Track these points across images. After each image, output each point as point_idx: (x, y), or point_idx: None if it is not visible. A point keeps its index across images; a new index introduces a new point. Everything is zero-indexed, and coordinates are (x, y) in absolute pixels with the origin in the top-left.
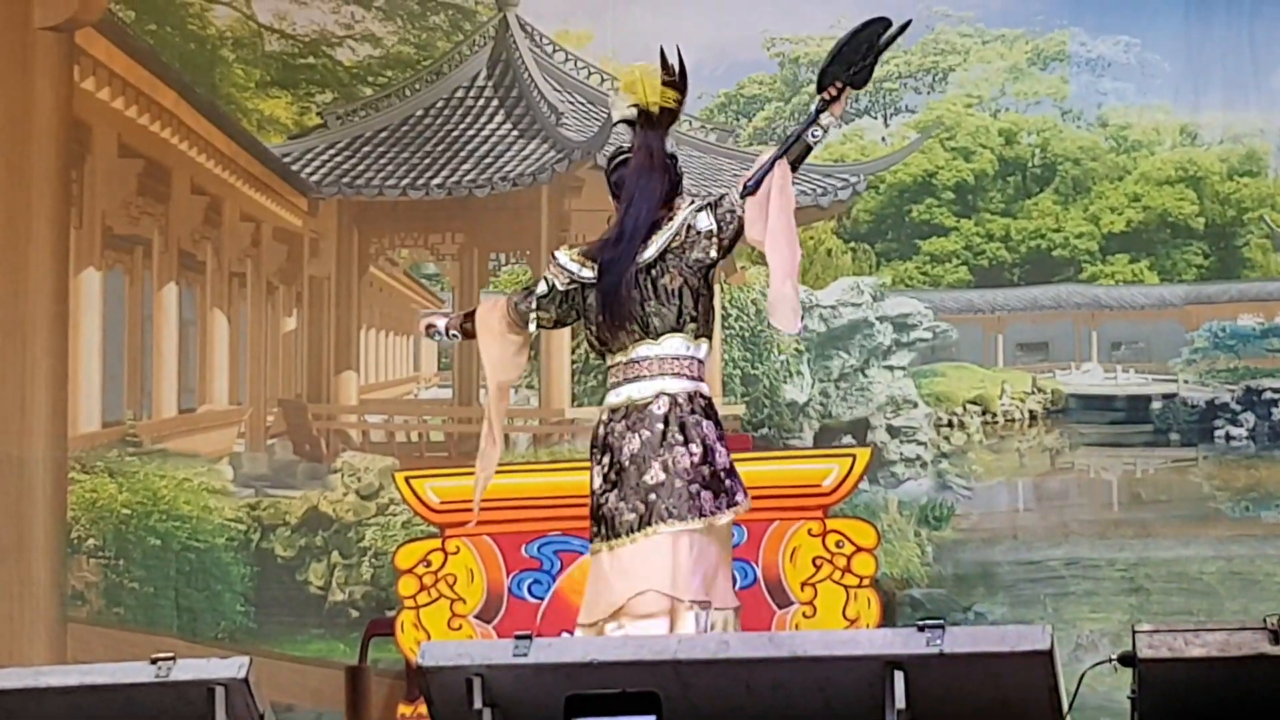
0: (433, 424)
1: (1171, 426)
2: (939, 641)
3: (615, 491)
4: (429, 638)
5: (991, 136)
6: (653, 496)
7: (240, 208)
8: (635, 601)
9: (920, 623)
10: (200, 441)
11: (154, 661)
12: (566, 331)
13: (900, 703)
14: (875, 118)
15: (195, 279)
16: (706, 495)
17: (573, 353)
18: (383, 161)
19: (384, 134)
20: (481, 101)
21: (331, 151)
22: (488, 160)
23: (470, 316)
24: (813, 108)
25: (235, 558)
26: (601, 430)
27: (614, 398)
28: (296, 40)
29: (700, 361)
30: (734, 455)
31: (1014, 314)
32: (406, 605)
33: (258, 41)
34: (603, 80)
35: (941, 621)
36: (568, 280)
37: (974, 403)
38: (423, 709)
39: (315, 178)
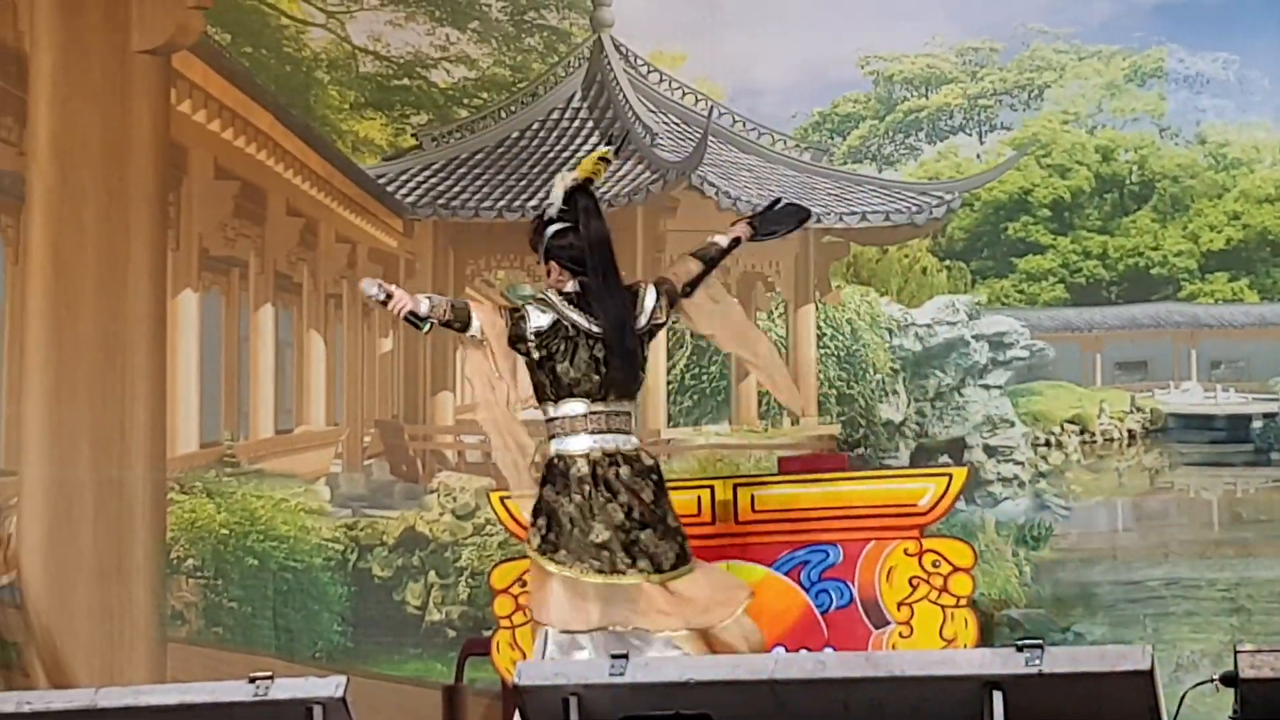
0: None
1: (1272, 445)
2: (1038, 661)
3: (650, 531)
4: (525, 657)
5: (1088, 153)
6: (680, 538)
7: (336, 229)
8: (718, 628)
9: (1019, 642)
10: (297, 462)
11: (252, 680)
12: (663, 353)
13: None
14: (970, 134)
15: (291, 300)
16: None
17: (668, 374)
18: (478, 183)
19: (479, 155)
20: (577, 123)
21: (427, 173)
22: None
23: (459, 315)
24: (724, 238)
25: (333, 578)
26: (599, 470)
27: (605, 443)
28: (391, 62)
29: None
30: (830, 475)
31: (1112, 332)
32: (502, 625)
33: (352, 63)
34: (697, 100)
35: (1040, 641)
36: (570, 324)
37: (1072, 422)
38: None
39: (410, 199)
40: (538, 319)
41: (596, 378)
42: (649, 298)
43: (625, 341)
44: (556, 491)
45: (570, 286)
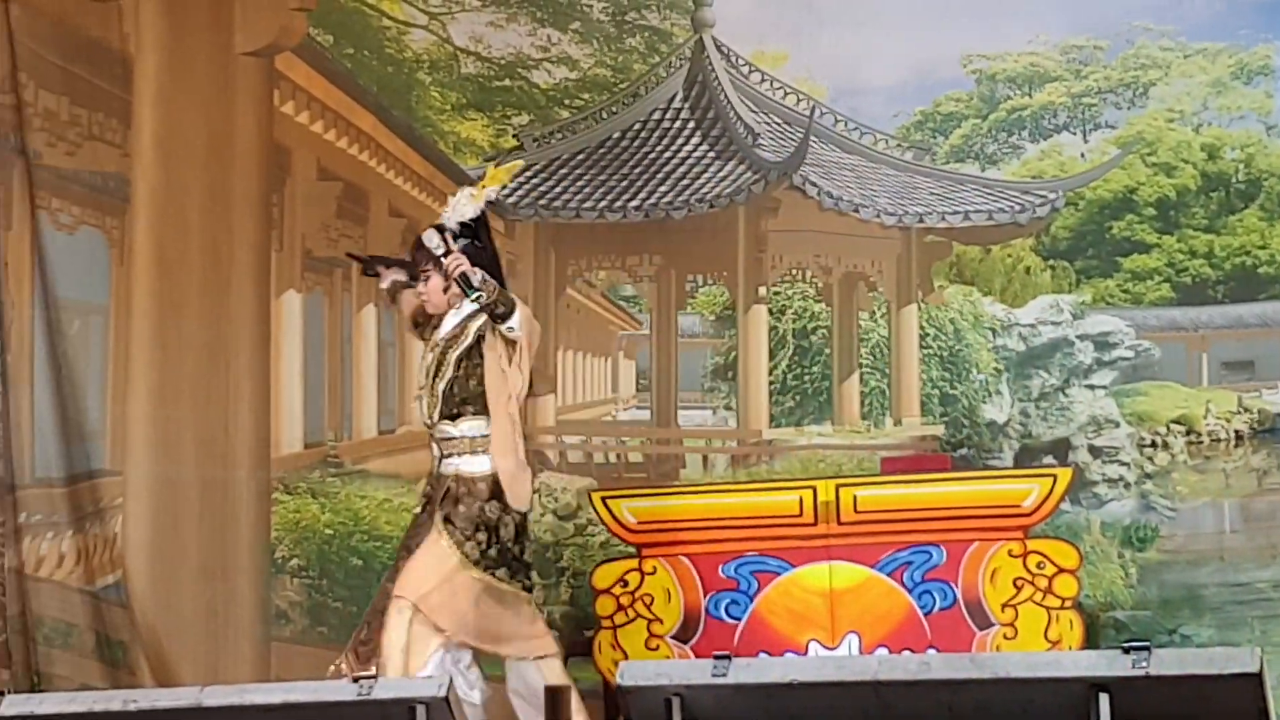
0: (630, 445)
1: None
2: (1144, 664)
3: None
4: (626, 657)
5: (1194, 152)
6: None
7: None
8: None
9: (1125, 645)
10: (400, 462)
11: (356, 680)
12: (764, 353)
13: None
14: (1074, 133)
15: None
16: None
17: (770, 374)
18: (579, 184)
19: (580, 156)
20: (678, 123)
21: (528, 174)
22: (684, 182)
23: (505, 302)
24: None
25: None
26: None
27: None
28: (493, 63)
29: None
30: (934, 476)
31: (1218, 332)
32: (604, 625)
33: (454, 65)
34: (798, 100)
35: (1147, 644)
36: None
37: (1178, 422)
38: None
39: (512, 200)
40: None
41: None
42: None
43: None
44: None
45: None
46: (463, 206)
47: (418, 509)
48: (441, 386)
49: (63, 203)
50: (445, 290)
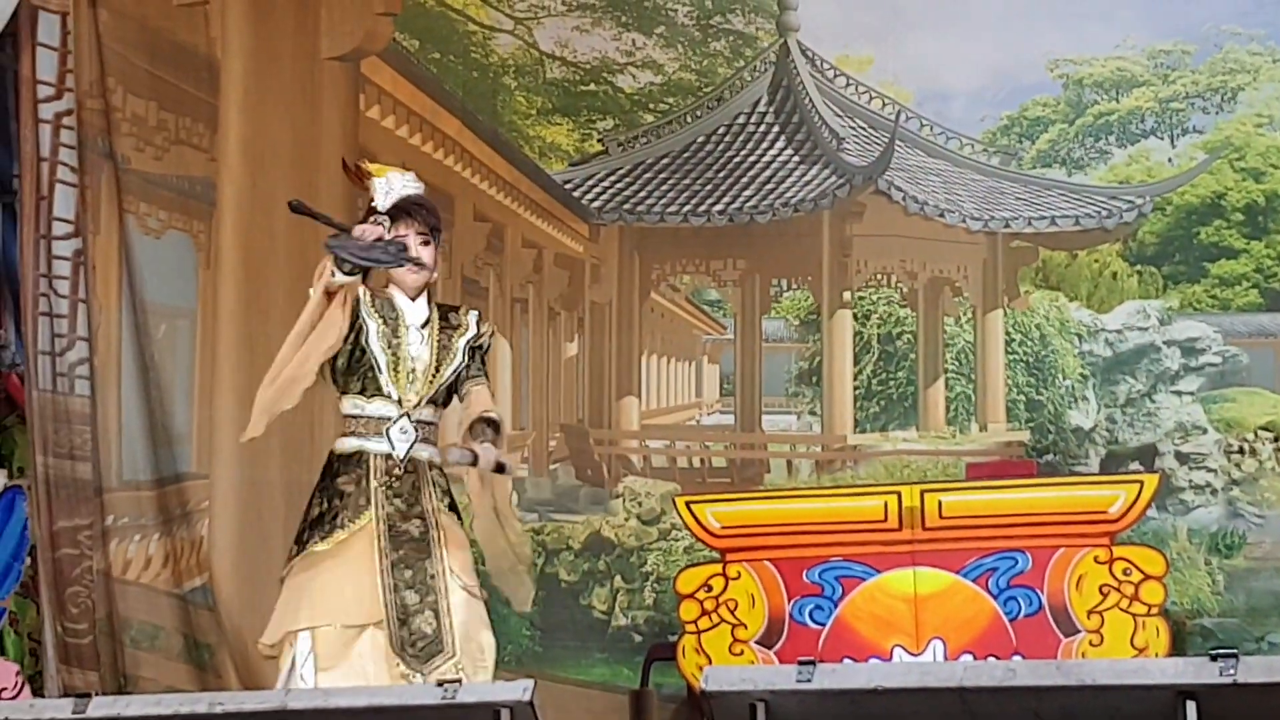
0: (714, 450)
1: None
2: (1232, 671)
3: None
4: (710, 663)
5: None
6: None
7: (522, 234)
8: None
9: (1213, 651)
10: None
11: (440, 684)
12: (849, 358)
13: None
14: (1162, 138)
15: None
16: None
17: (855, 379)
18: (664, 188)
19: (665, 160)
20: (763, 127)
21: (613, 178)
22: (769, 186)
23: None
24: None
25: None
26: None
27: None
28: (578, 68)
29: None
30: (1019, 481)
31: None
32: (688, 630)
33: (539, 69)
34: (883, 105)
35: (1235, 651)
36: None
37: (1265, 429)
38: None
39: (596, 204)
40: None
41: None
42: None
43: None
44: None
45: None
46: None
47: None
48: (448, 371)
49: (150, 207)
50: (436, 263)
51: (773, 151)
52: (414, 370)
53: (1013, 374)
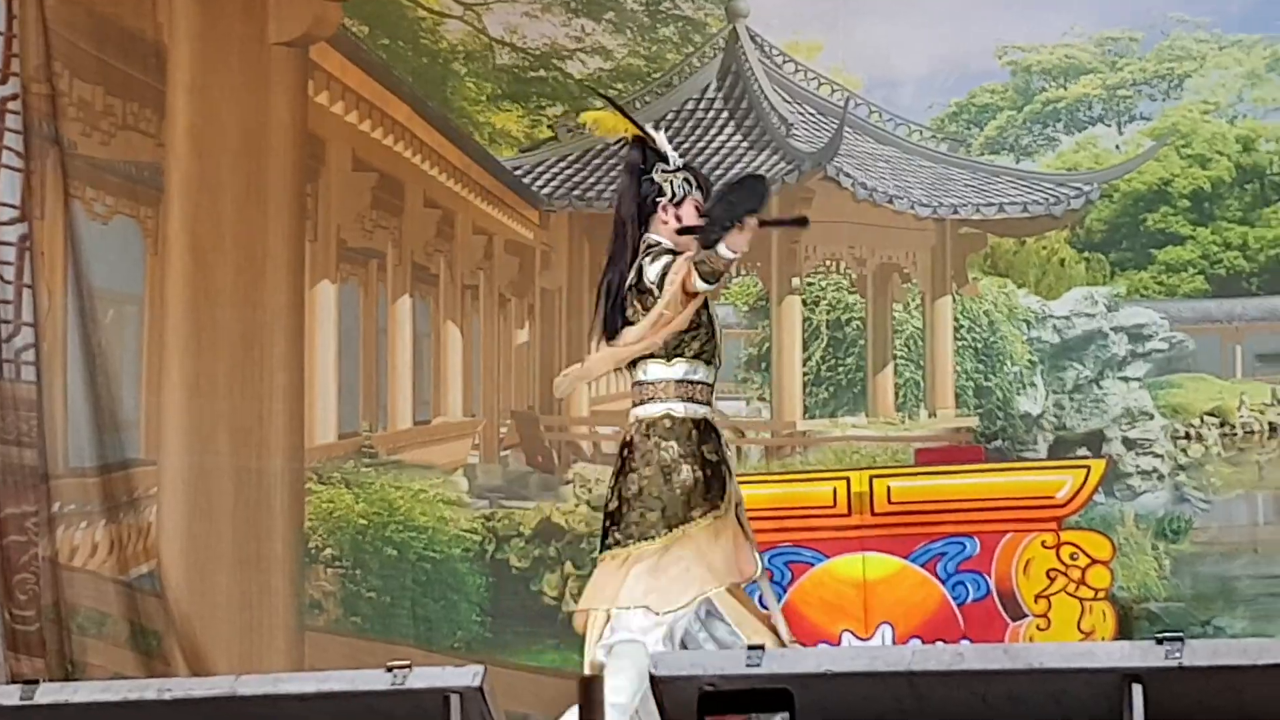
0: None
1: None
2: (1178, 654)
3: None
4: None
5: (1229, 144)
6: (646, 510)
7: (473, 221)
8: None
9: (1159, 635)
10: (435, 453)
11: (390, 669)
12: (798, 345)
13: (1139, 716)
14: (1109, 125)
15: (428, 291)
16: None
17: (804, 365)
18: (614, 174)
19: (615, 146)
20: (712, 113)
21: (562, 164)
22: (718, 172)
23: None
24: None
25: (471, 568)
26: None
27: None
28: (527, 53)
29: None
30: (967, 467)
31: (1252, 324)
32: None
33: (489, 55)
34: (833, 91)
35: (1181, 634)
36: None
37: (1211, 414)
38: None
39: (546, 190)
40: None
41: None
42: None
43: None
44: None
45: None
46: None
47: None
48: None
49: (97, 192)
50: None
51: (721, 137)
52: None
53: (961, 360)
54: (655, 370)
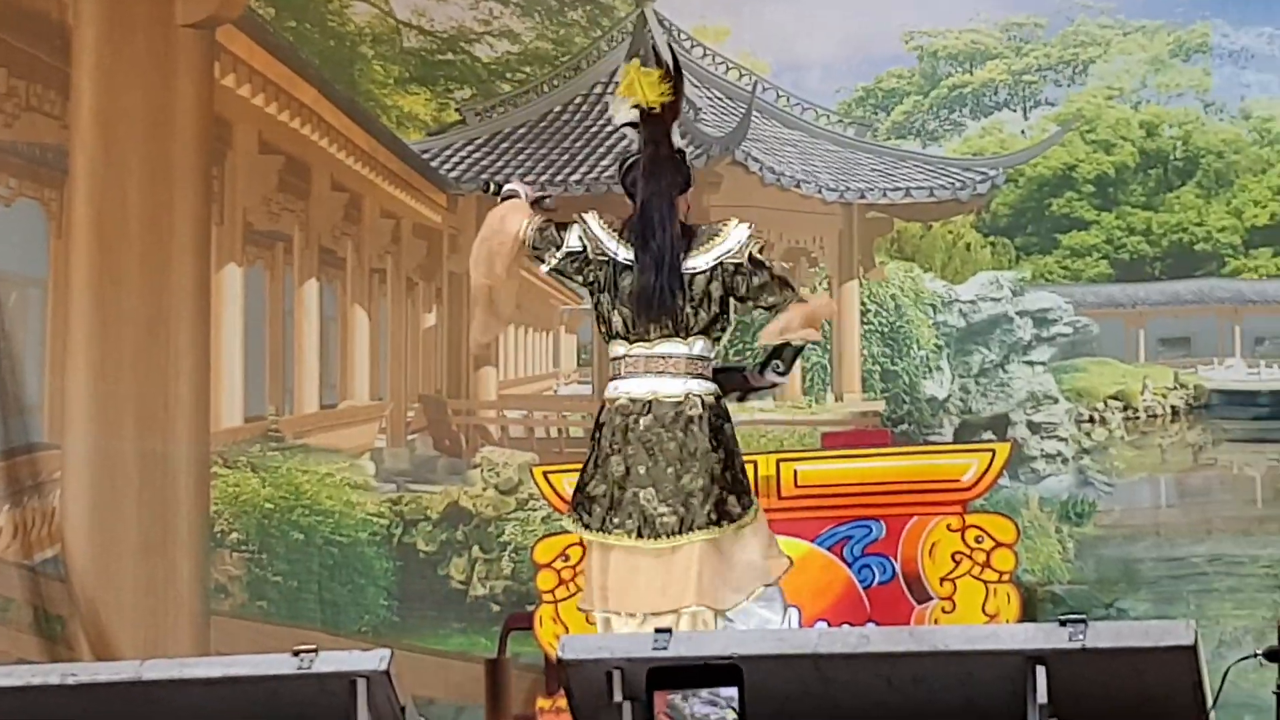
0: (572, 420)
1: None
2: (1081, 636)
3: (653, 490)
4: (568, 632)
5: (1133, 129)
6: (693, 502)
7: (380, 204)
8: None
9: (1062, 618)
10: (342, 437)
11: (296, 653)
12: None
13: (1042, 697)
14: (1015, 110)
15: (336, 275)
16: (732, 500)
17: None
18: (521, 157)
19: (523, 130)
20: None
21: (470, 148)
22: (627, 156)
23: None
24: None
25: (378, 552)
26: (619, 418)
27: (635, 387)
28: (435, 36)
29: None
30: (874, 451)
31: (1156, 309)
32: (545, 600)
33: (396, 38)
34: (740, 75)
35: (1083, 617)
36: (599, 252)
37: (1115, 398)
38: (562, 703)
39: (454, 174)
40: (573, 236)
41: (628, 312)
42: (735, 234)
43: (660, 272)
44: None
45: None
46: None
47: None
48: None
49: (0, 175)
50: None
51: None
52: None
53: (868, 344)
54: (670, 347)
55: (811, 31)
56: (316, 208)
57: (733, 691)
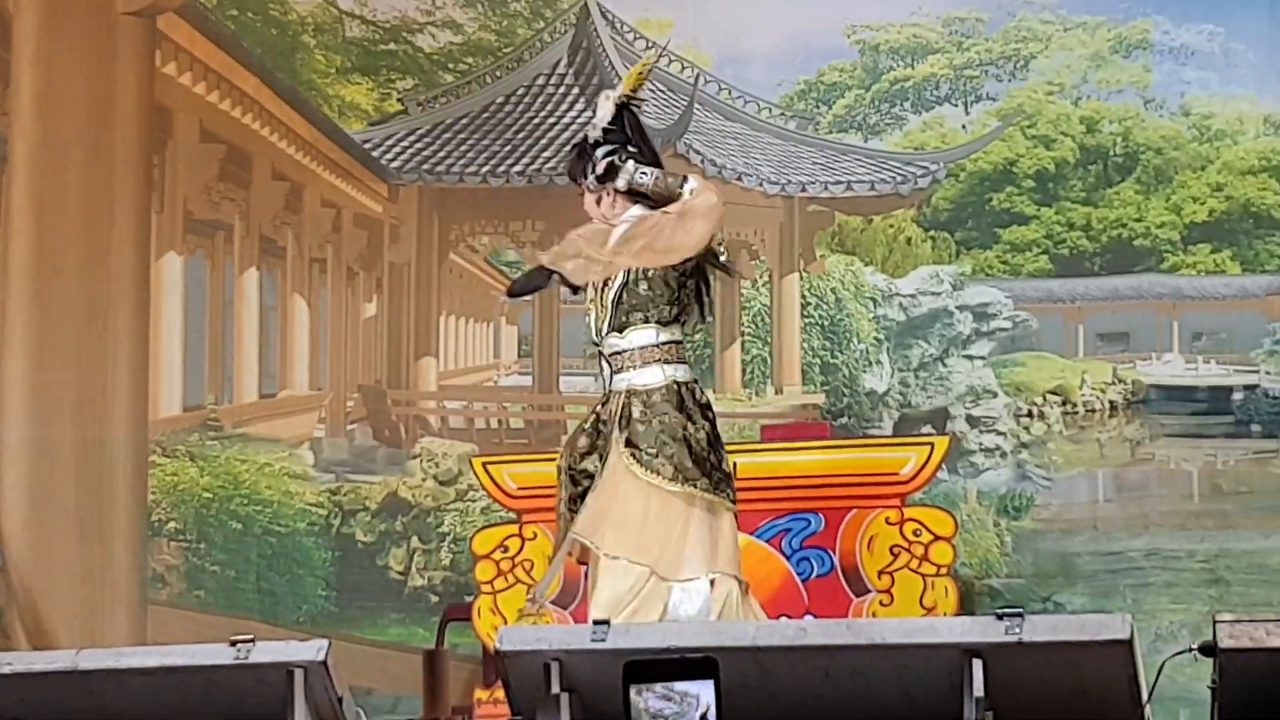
0: (512, 411)
1: (1253, 418)
2: (1018, 630)
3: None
4: (506, 623)
5: (1073, 125)
6: None
7: (321, 194)
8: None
9: (999, 611)
10: (281, 426)
11: (233, 644)
12: None
13: (979, 691)
14: (956, 105)
15: (276, 264)
16: None
17: None
18: (463, 148)
19: (465, 121)
20: (562, 89)
21: (412, 138)
22: (569, 148)
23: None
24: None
25: (316, 542)
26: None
27: (618, 383)
28: (377, 26)
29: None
30: (813, 444)
31: (1095, 304)
32: (484, 590)
33: (339, 27)
34: (683, 68)
35: (1020, 610)
36: None
37: (1054, 393)
38: (499, 693)
39: (396, 164)
40: None
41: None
42: None
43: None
44: None
45: (631, 214)
46: (601, 112)
47: (584, 436)
48: (610, 296)
49: None
50: (598, 203)
51: (572, 113)
52: (592, 305)
53: (808, 337)
54: (647, 336)
55: (754, 25)
56: (257, 197)
57: (686, 686)
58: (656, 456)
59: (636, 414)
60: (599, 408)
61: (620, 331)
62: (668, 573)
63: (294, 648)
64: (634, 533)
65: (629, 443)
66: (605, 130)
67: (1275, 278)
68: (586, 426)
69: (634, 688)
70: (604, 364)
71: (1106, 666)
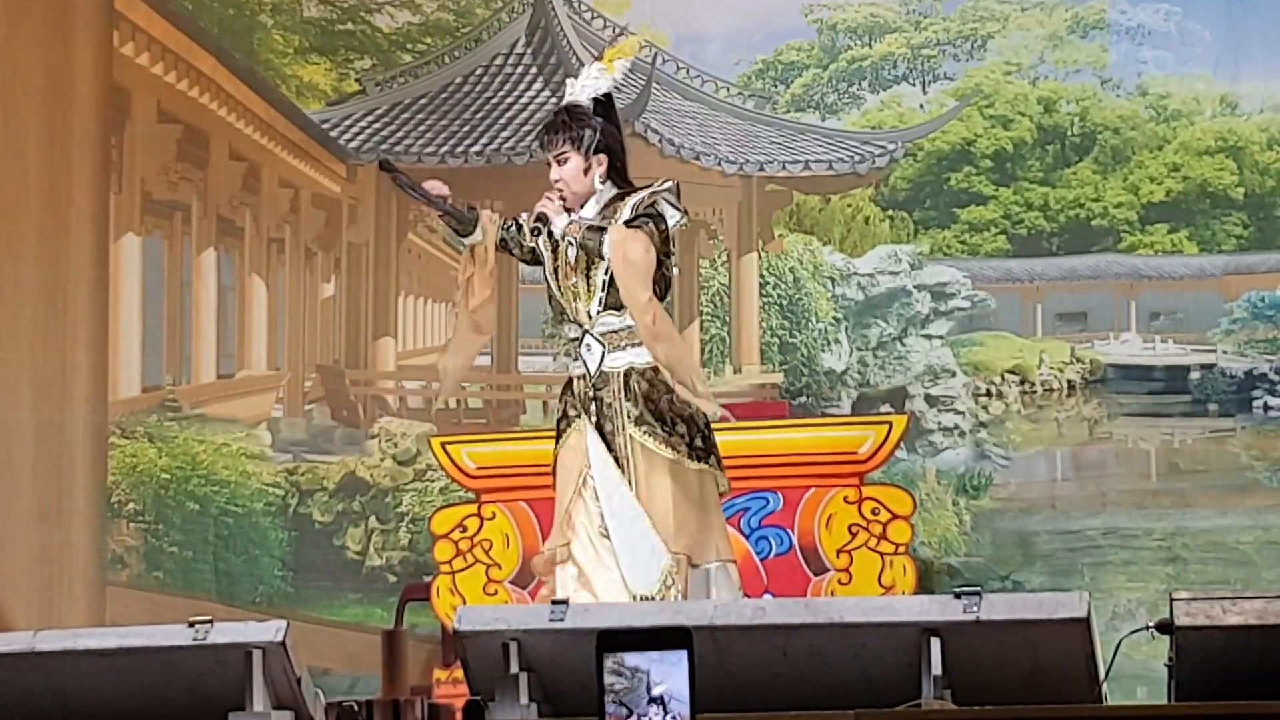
0: (470, 391)
1: (1210, 397)
2: (975, 609)
3: None
4: (465, 603)
5: (1030, 105)
6: None
7: (279, 174)
8: None
9: (957, 590)
10: (239, 407)
11: (192, 625)
12: None
13: (936, 669)
14: (914, 84)
15: (234, 244)
16: None
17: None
18: (421, 129)
19: (423, 101)
20: (520, 69)
21: (370, 118)
22: (527, 128)
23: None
24: None
25: (273, 523)
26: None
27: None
28: (335, 6)
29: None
30: (771, 423)
31: (1052, 283)
32: (442, 570)
33: (297, 7)
34: (641, 47)
35: (978, 589)
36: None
37: (1012, 372)
38: (458, 673)
39: (354, 144)
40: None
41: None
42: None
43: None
44: None
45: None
46: (597, 81)
47: (563, 421)
48: (600, 277)
49: None
50: (586, 171)
51: (530, 93)
52: (565, 287)
53: (767, 317)
54: (616, 320)
55: (711, 4)
56: (215, 177)
57: (637, 660)
58: (672, 435)
59: (643, 390)
60: (583, 388)
61: (617, 310)
62: (700, 556)
63: (252, 628)
64: (673, 520)
65: (642, 419)
66: (596, 101)
67: (1232, 258)
68: (571, 413)
69: (607, 658)
70: (591, 344)
71: (1064, 644)
